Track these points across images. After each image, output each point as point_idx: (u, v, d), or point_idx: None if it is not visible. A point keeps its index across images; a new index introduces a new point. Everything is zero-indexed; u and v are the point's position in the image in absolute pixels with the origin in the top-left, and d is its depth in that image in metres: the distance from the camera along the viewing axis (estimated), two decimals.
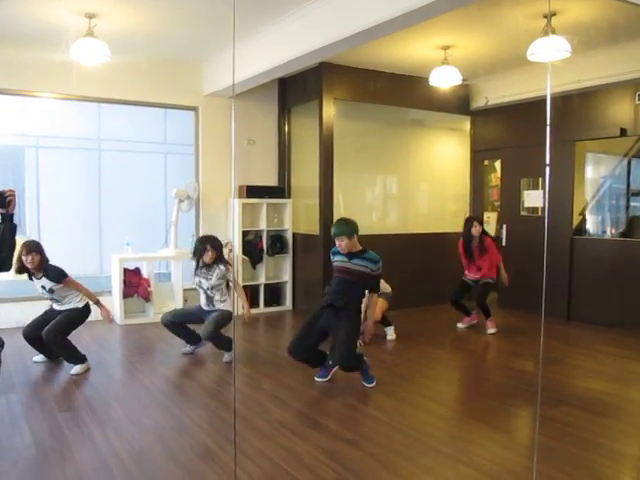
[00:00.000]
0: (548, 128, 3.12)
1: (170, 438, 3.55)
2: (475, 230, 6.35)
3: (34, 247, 4.76)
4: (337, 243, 4.55)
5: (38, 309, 5.17)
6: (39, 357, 5.17)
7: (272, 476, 3.05)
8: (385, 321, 6.08)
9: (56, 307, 5.01)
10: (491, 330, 6.36)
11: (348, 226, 4.55)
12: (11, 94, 6.59)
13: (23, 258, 4.70)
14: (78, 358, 4.92)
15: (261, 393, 4.40)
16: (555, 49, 5.05)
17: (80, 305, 4.98)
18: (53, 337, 4.85)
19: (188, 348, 5.55)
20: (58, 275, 4.85)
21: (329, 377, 4.70)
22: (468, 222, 6.50)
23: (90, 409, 4.07)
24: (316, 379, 4.68)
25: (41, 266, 4.80)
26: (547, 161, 3.40)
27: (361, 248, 4.60)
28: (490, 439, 3.58)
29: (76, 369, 4.86)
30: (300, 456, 3.28)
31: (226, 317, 5.25)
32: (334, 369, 4.70)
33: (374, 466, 3.17)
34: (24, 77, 6.44)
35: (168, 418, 3.90)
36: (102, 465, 3.17)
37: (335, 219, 7.12)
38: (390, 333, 6.11)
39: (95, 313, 5.12)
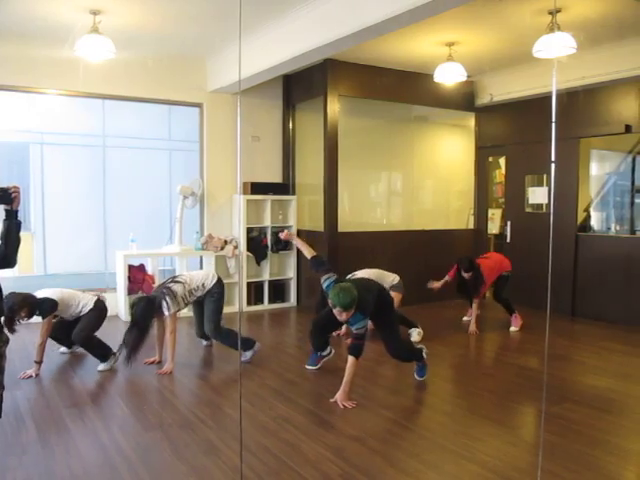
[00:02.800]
0: (554, 125, 3.12)
1: (175, 434, 3.56)
2: (467, 275, 6.28)
3: (18, 307, 4.47)
4: (335, 312, 4.08)
5: None
6: (64, 348, 5.33)
7: (277, 472, 3.05)
8: (407, 322, 5.96)
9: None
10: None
11: (350, 299, 3.99)
12: (16, 90, 6.60)
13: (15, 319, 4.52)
14: (107, 355, 4.96)
15: (266, 389, 4.41)
16: (560, 45, 5.03)
17: (91, 306, 4.99)
18: (80, 339, 4.91)
19: (205, 341, 5.62)
20: (42, 312, 4.74)
21: (319, 366, 4.90)
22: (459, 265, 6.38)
23: (95, 405, 4.09)
24: (307, 367, 4.89)
25: (33, 313, 4.65)
26: (553, 158, 3.39)
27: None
28: (495, 436, 3.58)
29: (102, 366, 4.91)
30: (305, 452, 3.29)
31: (218, 307, 5.11)
32: (324, 359, 4.93)
33: (379, 463, 3.18)
34: (29, 73, 6.45)
35: (173, 414, 3.91)
36: (107, 461, 3.18)
37: (339, 223, 7.23)
38: (414, 335, 5.92)
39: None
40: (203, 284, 5.05)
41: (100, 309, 5.06)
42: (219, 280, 5.17)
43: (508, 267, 6.49)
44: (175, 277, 5.09)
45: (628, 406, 4.18)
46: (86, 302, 4.99)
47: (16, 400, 4.11)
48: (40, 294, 4.78)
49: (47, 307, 4.72)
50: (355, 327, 4.11)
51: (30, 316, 4.62)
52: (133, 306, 4.78)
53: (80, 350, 5.25)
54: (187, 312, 5.82)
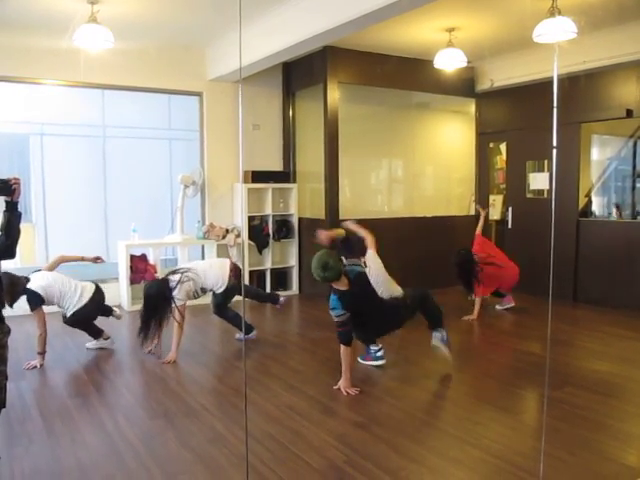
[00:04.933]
0: (555, 110, 3.10)
1: (180, 423, 3.58)
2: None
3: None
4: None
5: None
6: (92, 343, 5.22)
7: (282, 459, 3.07)
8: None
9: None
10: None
11: (332, 271, 4.04)
12: (15, 81, 6.58)
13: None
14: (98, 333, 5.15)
15: (270, 377, 4.43)
16: (561, 30, 5.00)
17: (84, 302, 4.95)
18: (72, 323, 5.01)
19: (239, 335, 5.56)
20: (29, 304, 4.70)
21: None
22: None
23: (100, 395, 4.11)
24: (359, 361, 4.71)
25: (14, 297, 4.54)
26: (554, 143, 3.38)
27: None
28: (497, 421, 3.60)
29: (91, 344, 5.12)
30: (309, 439, 3.31)
31: (229, 291, 5.17)
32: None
33: (383, 449, 3.20)
34: (28, 64, 6.42)
35: (178, 403, 3.93)
36: (113, 450, 3.20)
37: (340, 210, 7.19)
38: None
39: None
40: (217, 283, 5.11)
41: (99, 291, 5.13)
42: (235, 279, 5.15)
43: (512, 282, 6.49)
44: (188, 270, 4.99)
45: (630, 390, 4.20)
46: (78, 298, 4.96)
47: (21, 390, 4.13)
48: (33, 278, 4.79)
49: (33, 300, 4.67)
50: (334, 314, 4.12)
51: (12, 302, 4.47)
52: (146, 289, 4.88)
53: (93, 345, 5.23)
54: (190, 302, 5.82)
